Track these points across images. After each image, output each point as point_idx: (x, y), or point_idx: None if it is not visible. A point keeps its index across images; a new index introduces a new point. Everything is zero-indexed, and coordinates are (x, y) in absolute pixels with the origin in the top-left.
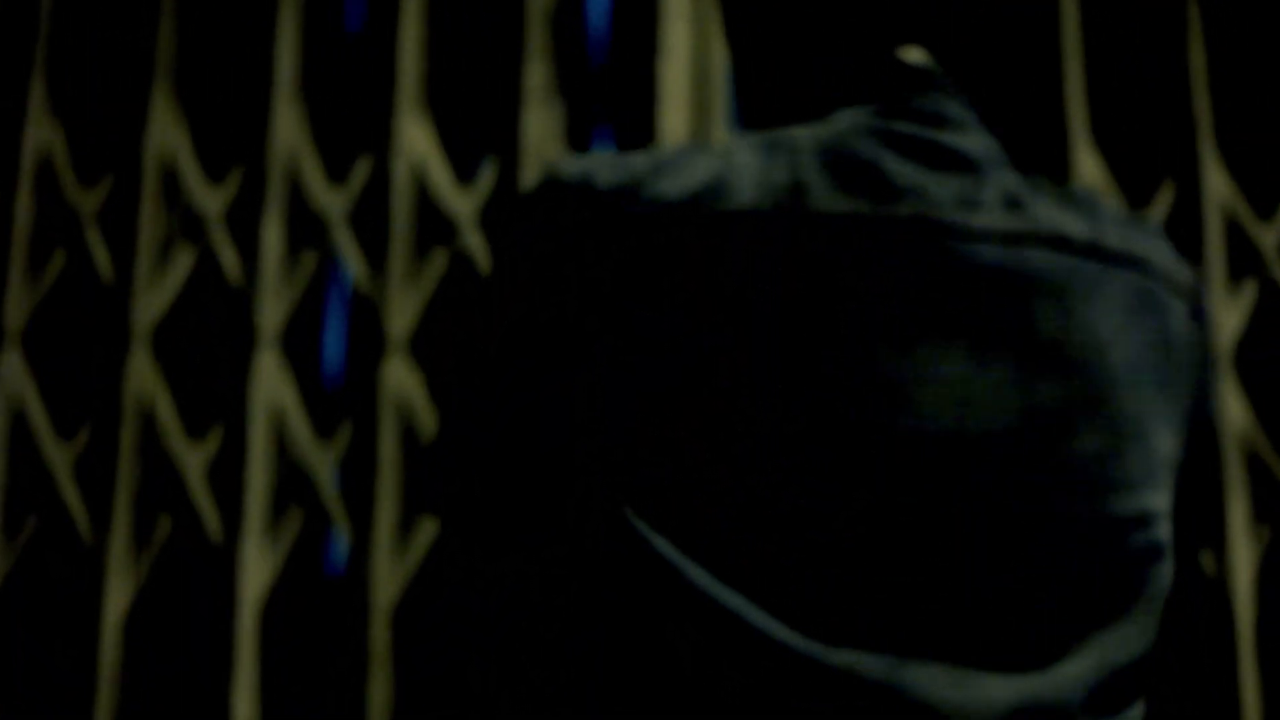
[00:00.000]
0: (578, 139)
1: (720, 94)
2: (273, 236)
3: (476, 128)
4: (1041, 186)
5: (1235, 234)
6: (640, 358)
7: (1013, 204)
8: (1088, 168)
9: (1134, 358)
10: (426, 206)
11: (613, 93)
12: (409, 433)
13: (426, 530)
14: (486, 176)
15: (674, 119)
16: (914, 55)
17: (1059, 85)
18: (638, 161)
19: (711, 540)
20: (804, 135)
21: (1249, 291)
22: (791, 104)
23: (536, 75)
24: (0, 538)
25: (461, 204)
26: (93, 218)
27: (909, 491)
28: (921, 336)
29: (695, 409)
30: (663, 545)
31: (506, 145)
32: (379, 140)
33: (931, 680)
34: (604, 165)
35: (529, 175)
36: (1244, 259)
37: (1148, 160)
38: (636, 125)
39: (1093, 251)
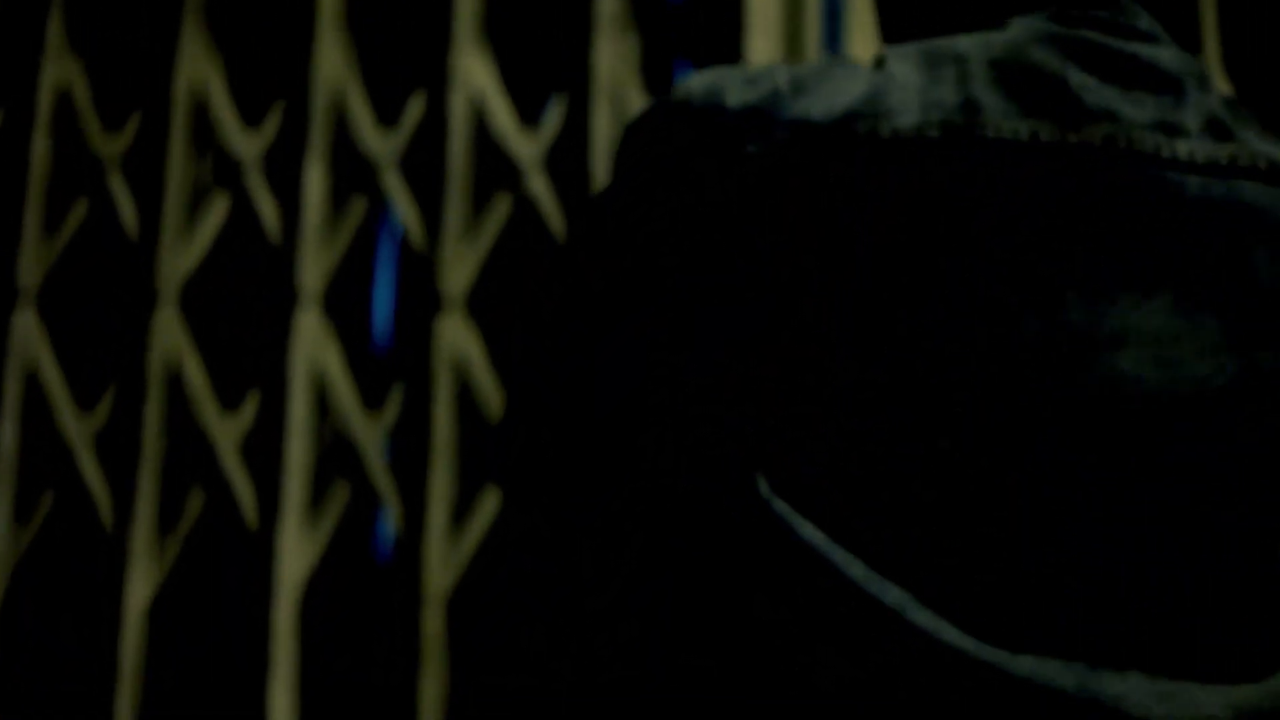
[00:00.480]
0: (655, 74)
1: (815, 20)
2: (315, 183)
3: (542, 62)
4: (1240, 110)
5: None
6: (787, 303)
7: (1219, 129)
8: None
9: None
10: (487, 148)
11: (694, 21)
12: (466, 400)
13: (486, 508)
14: (553, 116)
15: (762, 48)
16: None
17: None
18: (774, 76)
19: (860, 522)
20: (970, 45)
21: None
22: (947, 7)
23: (608, 3)
24: (11, 517)
25: (525, 146)
26: (116, 163)
27: (1101, 468)
28: (1119, 284)
29: (845, 364)
30: (807, 530)
31: (575, 81)
32: (434, 76)
33: (1131, 691)
34: (734, 82)
35: (600, 114)
36: None
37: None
38: (720, 56)
39: None
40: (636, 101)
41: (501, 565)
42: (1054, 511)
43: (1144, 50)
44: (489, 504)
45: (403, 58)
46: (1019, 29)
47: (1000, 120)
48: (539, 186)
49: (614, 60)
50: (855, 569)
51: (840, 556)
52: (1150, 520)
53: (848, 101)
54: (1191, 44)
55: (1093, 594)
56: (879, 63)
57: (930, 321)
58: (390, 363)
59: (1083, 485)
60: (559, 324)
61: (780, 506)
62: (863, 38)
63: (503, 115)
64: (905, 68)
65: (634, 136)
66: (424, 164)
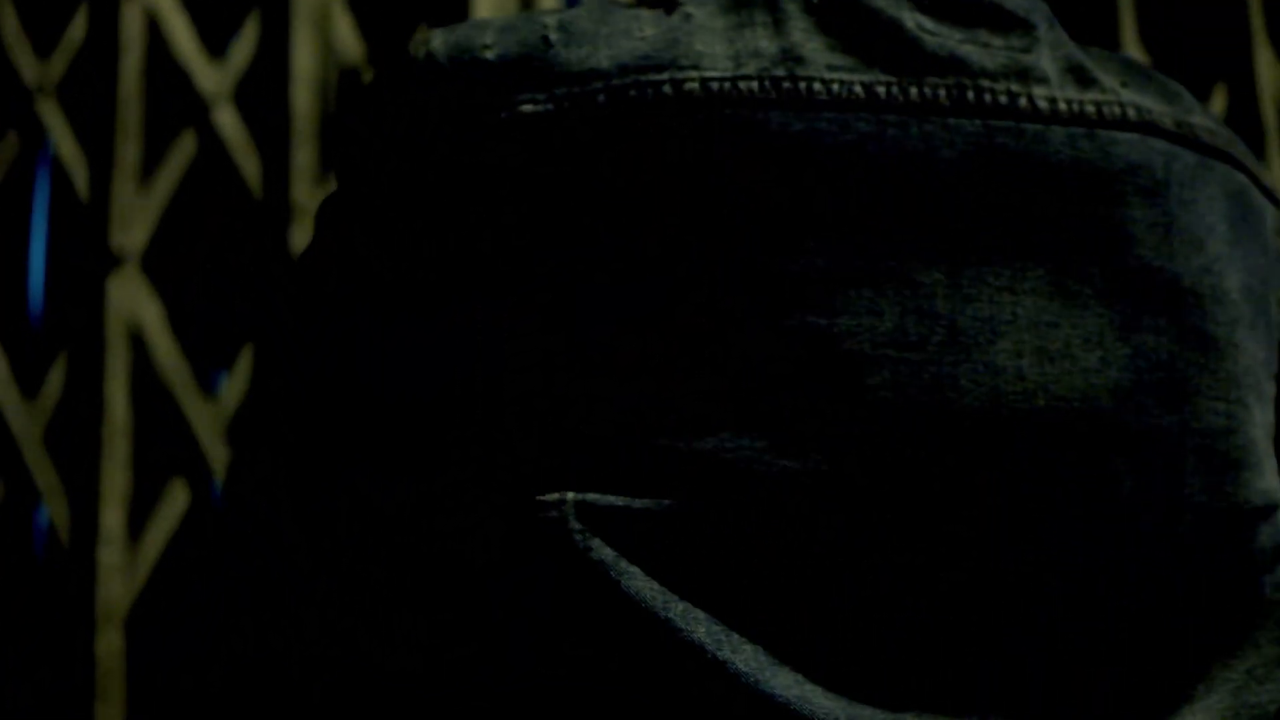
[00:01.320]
0: None
1: None
2: None
3: None
4: (1098, 55)
5: None
6: (578, 291)
7: (1080, 75)
8: None
9: (1244, 284)
10: (166, 76)
11: None
12: (144, 374)
13: (173, 506)
14: (245, 40)
15: None
16: None
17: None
18: (537, 22)
19: (692, 566)
20: None
21: None
22: None
23: None
24: None
25: (212, 74)
26: None
27: (972, 486)
28: (984, 261)
29: (655, 370)
30: (636, 582)
31: (272, 1)
32: None
33: None
34: (485, 33)
35: (301, 40)
36: None
37: (1200, 61)
38: None
39: (1185, 139)
40: (343, 27)
41: (194, 573)
42: (920, 540)
43: None
44: (176, 500)
45: None
46: None
47: (829, 74)
48: (228, 121)
49: None
50: (698, 629)
51: (678, 614)
52: (1031, 543)
53: (640, 48)
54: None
55: (973, 643)
56: (668, 3)
57: (774, 325)
58: (50, 331)
59: (954, 509)
60: (339, 310)
61: (599, 553)
62: None
63: (184, 37)
64: (705, 11)
65: (373, 115)
66: (90, 93)
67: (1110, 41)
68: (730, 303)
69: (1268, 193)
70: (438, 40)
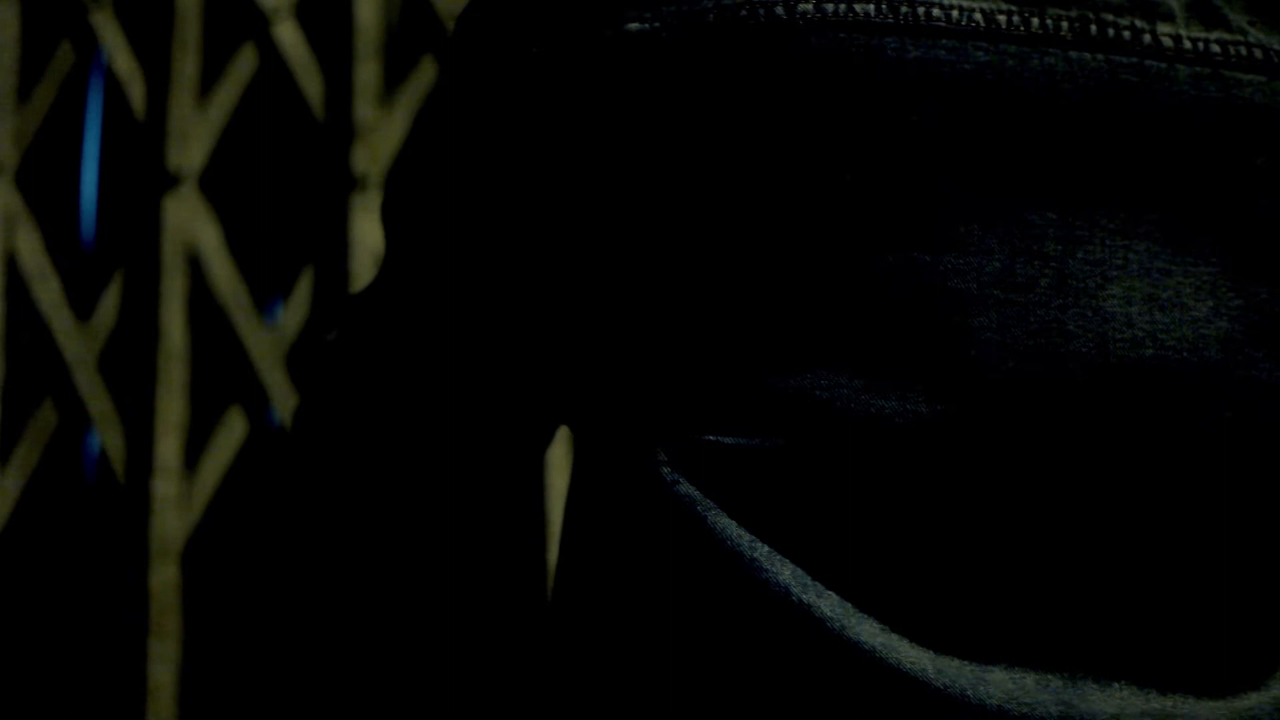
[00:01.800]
0: None
1: None
2: (9, 22)
3: None
4: None
5: None
6: (666, 233)
7: (1206, 10)
8: None
9: None
10: None
11: None
12: (201, 299)
13: (231, 436)
14: None
15: None
16: None
17: None
18: None
19: (786, 511)
20: None
21: None
22: None
23: None
24: None
25: None
26: None
27: (1074, 435)
28: (1099, 207)
29: (754, 305)
30: (721, 521)
31: None
32: None
33: (1124, 711)
34: None
35: None
36: None
37: None
38: None
39: None
40: None
41: (249, 508)
42: (1019, 497)
43: None
44: (233, 430)
45: None
46: None
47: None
48: (289, 36)
49: None
50: (783, 570)
51: (764, 555)
52: (1133, 504)
53: None
54: None
55: (1069, 593)
56: None
57: (876, 260)
58: (104, 253)
59: (1054, 465)
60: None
61: (687, 489)
62: None
63: None
64: None
65: (478, 21)
66: (147, 4)
67: None
68: (833, 234)
69: None
70: None
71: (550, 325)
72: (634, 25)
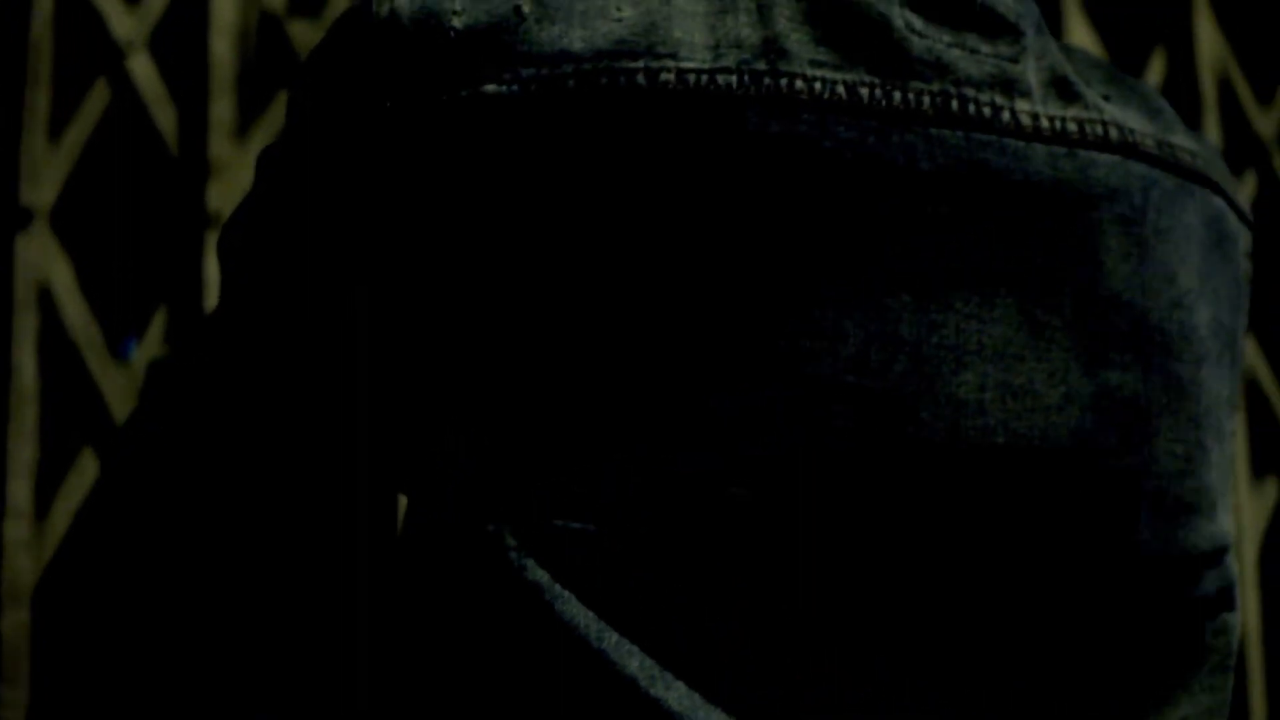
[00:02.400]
0: None
1: None
2: None
3: None
4: (1082, 63)
5: (1233, 121)
6: (516, 303)
7: (1063, 87)
8: (1080, 39)
9: (1214, 318)
10: (77, 20)
11: None
12: (55, 338)
13: (83, 477)
14: None
15: None
16: None
17: None
18: None
19: (637, 600)
20: None
21: (1248, 182)
22: None
23: None
24: None
25: (126, 19)
26: None
27: (925, 523)
28: (953, 285)
29: (607, 381)
30: (570, 607)
31: None
32: None
33: None
34: None
35: None
36: (1242, 146)
37: (1140, 30)
38: None
39: (1166, 161)
40: None
41: (103, 549)
42: (869, 583)
43: None
44: (85, 471)
45: None
46: None
47: (812, 70)
48: (143, 70)
49: None
50: (631, 662)
51: (612, 645)
52: (987, 584)
53: (616, 30)
54: None
55: (919, 684)
56: None
57: (730, 341)
58: None
59: (904, 549)
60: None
61: (534, 574)
62: None
63: None
64: None
65: (324, 70)
66: None
67: (1052, 2)
68: (685, 314)
69: (1242, 215)
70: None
71: (385, 390)
72: (491, 87)
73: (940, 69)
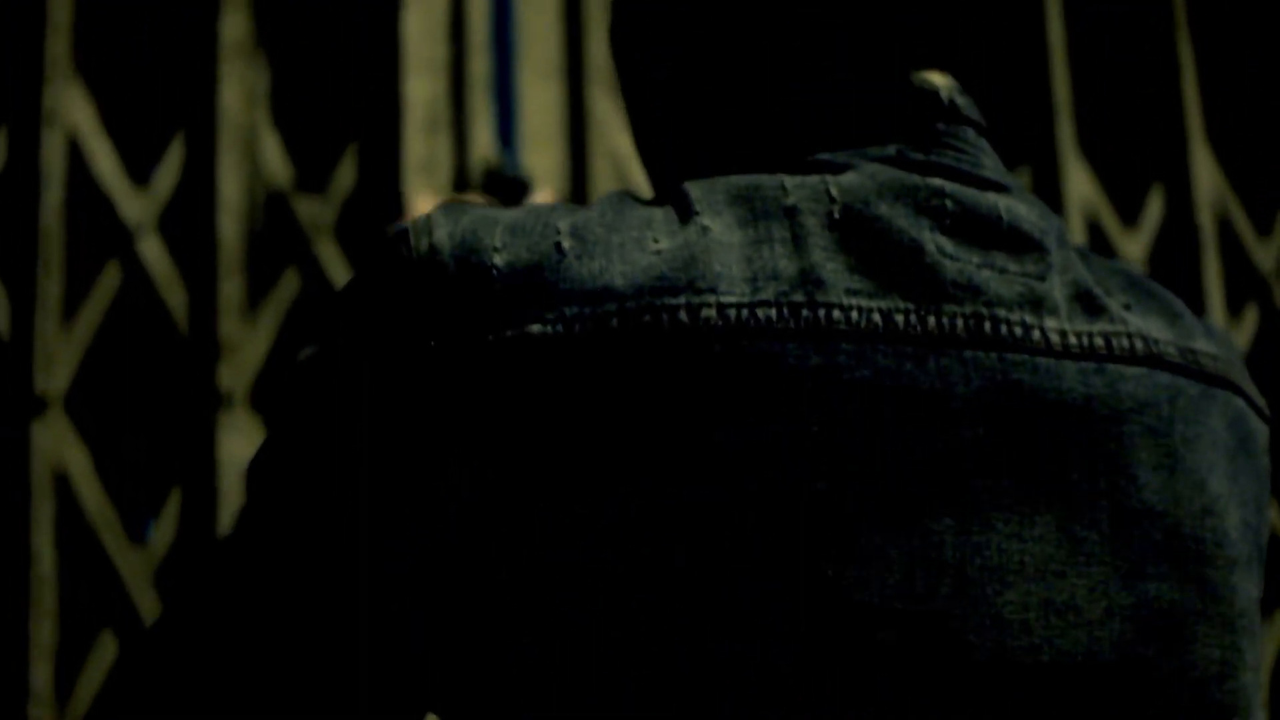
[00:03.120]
0: (288, 112)
1: (483, 57)
2: None
3: (153, 98)
4: (1102, 271)
5: (1233, 255)
6: (563, 551)
7: (1088, 302)
8: (1078, 180)
9: (1242, 519)
10: (87, 203)
11: (337, 49)
12: (72, 523)
13: (100, 662)
14: (170, 163)
15: (422, 88)
16: (939, 81)
17: (1048, 96)
18: (549, 223)
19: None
20: (800, 191)
21: (1249, 317)
22: (755, 130)
23: (233, 25)
24: None
25: (135, 201)
26: None
27: None
28: (993, 505)
29: (650, 627)
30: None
31: (196, 121)
32: (24, 110)
33: None
34: (496, 230)
35: (227, 161)
36: (1242, 279)
37: (1138, 168)
38: (373, 92)
39: (1189, 369)
40: (270, 149)
41: None
42: None
43: (1002, 204)
44: (105, 653)
45: None
46: (860, 174)
47: (848, 299)
48: (152, 251)
49: (240, 97)
50: None
51: None
52: None
53: (656, 265)
54: (1166, 48)
55: None
56: (681, 206)
57: (779, 573)
58: None
59: None
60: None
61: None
62: (535, 79)
63: (107, 164)
64: (721, 221)
65: (362, 303)
66: (10, 223)
67: (1048, 144)
68: (737, 548)
69: (1261, 413)
70: (441, 232)
71: (420, 630)
72: (536, 328)
73: (972, 291)
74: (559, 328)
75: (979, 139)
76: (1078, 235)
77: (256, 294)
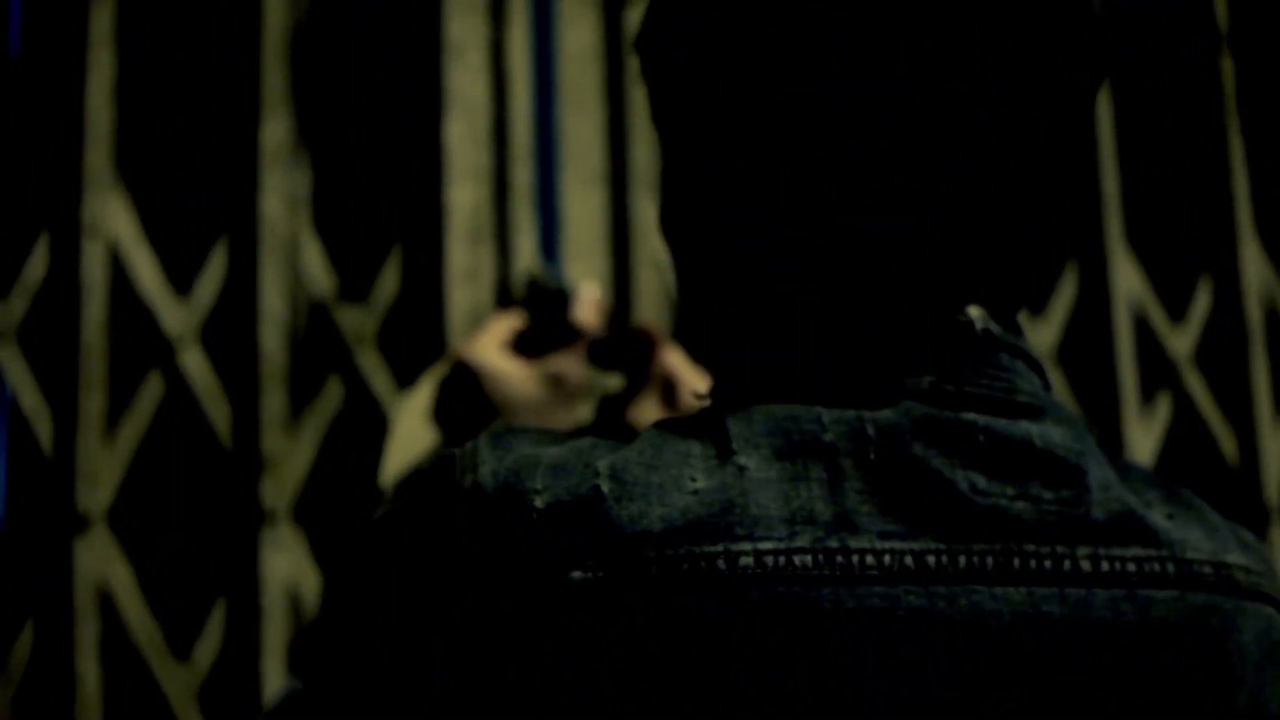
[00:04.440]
0: (331, 217)
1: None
2: None
3: (201, 205)
4: (1140, 482)
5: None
6: None
7: (1126, 522)
8: (1126, 274)
9: None
10: (128, 316)
11: (375, 150)
12: (116, 643)
13: None
14: (212, 274)
15: (465, 194)
16: (974, 312)
17: (1097, 190)
18: (588, 461)
19: None
20: (837, 427)
21: None
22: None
23: (274, 130)
24: None
25: (176, 312)
26: None
27: None
28: None
29: None
30: None
31: (238, 227)
32: (62, 221)
33: None
34: (537, 467)
35: (270, 267)
36: None
37: (1185, 261)
38: (414, 195)
39: (1223, 585)
40: (312, 258)
41: None
42: None
43: (1035, 431)
44: None
45: (20, 201)
46: (894, 411)
47: (881, 543)
48: (195, 363)
49: (282, 203)
50: None
51: None
52: None
53: (693, 508)
54: (1217, 143)
55: None
56: (720, 441)
57: None
58: (14, 597)
59: None
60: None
61: None
62: (578, 186)
63: (149, 274)
64: (759, 456)
65: (412, 519)
66: (52, 336)
67: (1096, 238)
68: None
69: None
70: (486, 469)
71: None
72: (577, 574)
73: (1005, 524)
74: (600, 574)
75: (1013, 362)
76: (1124, 331)
77: (299, 405)
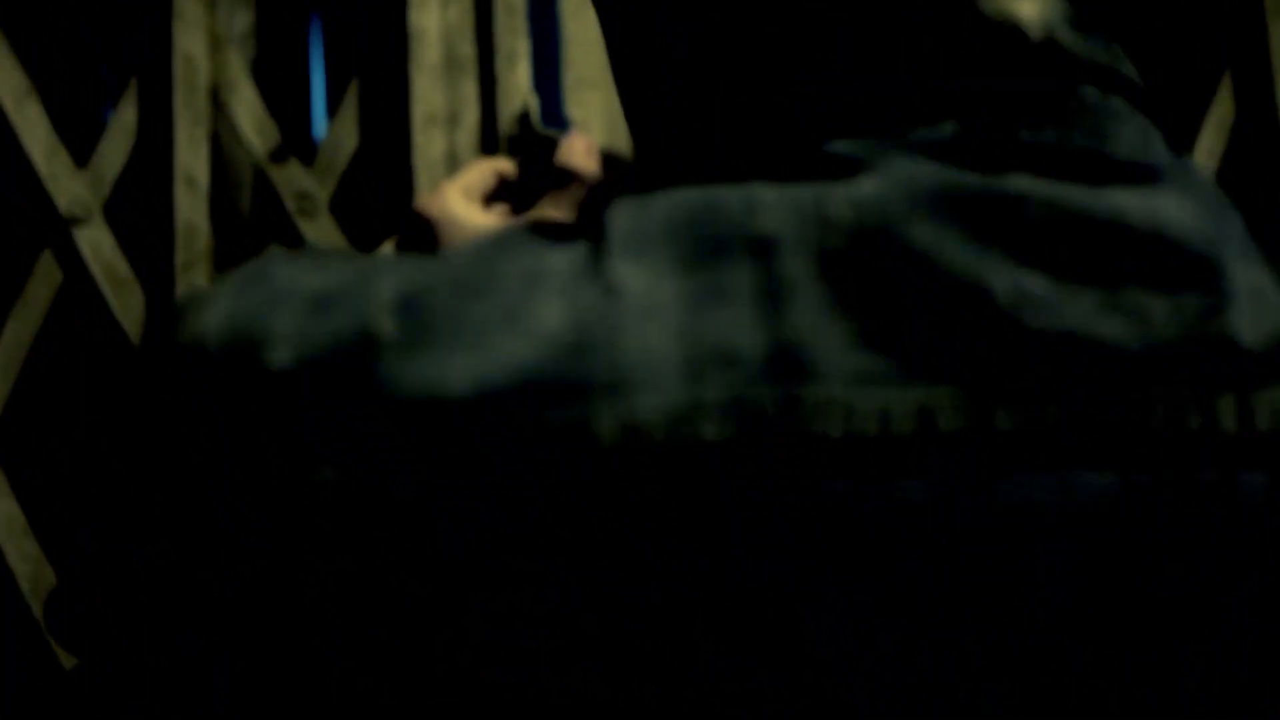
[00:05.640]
0: (274, 65)
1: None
2: None
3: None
4: None
5: None
6: None
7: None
8: None
9: None
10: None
11: None
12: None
13: None
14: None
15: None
16: (1026, 10)
17: None
18: (367, 288)
19: None
20: (781, 207)
21: None
22: (768, 127)
23: None
24: None
25: (77, 187)
26: None
27: None
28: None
29: None
30: None
31: (151, 69)
32: None
33: None
34: (286, 304)
35: (183, 116)
36: None
37: None
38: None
39: None
40: (244, 100)
41: None
42: None
43: (1135, 205)
44: None
45: None
46: (884, 178)
47: (850, 393)
48: (96, 241)
49: (206, 39)
50: None
51: None
52: None
53: (527, 352)
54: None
55: None
56: (595, 245)
57: None
58: None
59: None
60: None
61: None
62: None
63: (39, 131)
64: (645, 269)
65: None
66: None
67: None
68: None
69: None
70: (214, 316)
71: None
72: (328, 473)
73: (1075, 357)
74: (362, 473)
75: (1105, 98)
76: None
77: None
